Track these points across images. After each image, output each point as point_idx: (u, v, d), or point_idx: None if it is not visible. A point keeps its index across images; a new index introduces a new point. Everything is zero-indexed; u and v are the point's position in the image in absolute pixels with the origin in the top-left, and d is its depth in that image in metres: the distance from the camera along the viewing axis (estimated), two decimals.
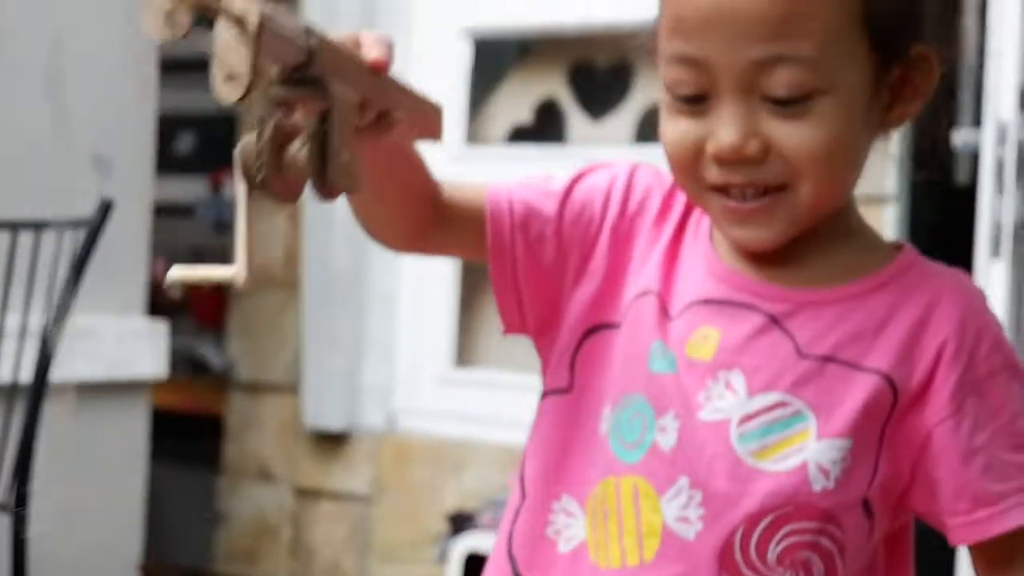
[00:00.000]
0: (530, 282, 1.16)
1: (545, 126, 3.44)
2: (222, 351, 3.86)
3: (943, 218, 2.89)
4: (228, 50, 0.84)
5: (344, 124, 0.93)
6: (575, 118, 3.44)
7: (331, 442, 3.58)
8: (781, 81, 1.03)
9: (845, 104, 1.04)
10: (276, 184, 0.92)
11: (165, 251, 3.60)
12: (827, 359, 1.07)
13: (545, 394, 1.18)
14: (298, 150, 0.92)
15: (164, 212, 3.31)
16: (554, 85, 3.46)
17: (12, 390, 2.56)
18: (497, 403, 3.32)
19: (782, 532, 1.06)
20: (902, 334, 1.08)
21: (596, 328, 1.15)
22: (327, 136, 0.92)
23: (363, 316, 3.52)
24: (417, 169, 1.12)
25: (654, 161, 1.21)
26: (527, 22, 3.42)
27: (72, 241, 2.58)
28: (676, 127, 1.08)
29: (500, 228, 1.15)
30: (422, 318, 3.54)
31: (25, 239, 2.64)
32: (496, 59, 3.53)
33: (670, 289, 1.13)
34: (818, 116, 1.04)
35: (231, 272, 0.95)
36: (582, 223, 1.16)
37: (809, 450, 1.06)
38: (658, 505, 1.08)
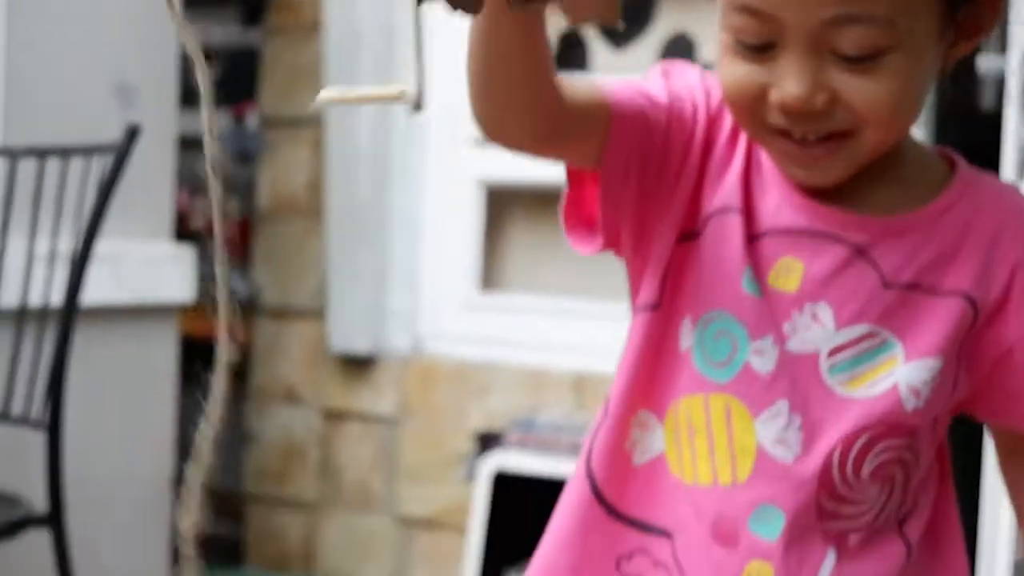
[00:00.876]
0: (640, 193, 1.12)
1: (568, 56, 3.43)
2: (247, 278, 3.88)
3: (968, 143, 2.89)
4: None
5: None
6: (597, 47, 3.43)
7: (357, 365, 3.62)
8: (852, 39, 1.01)
9: (915, 56, 1.02)
10: None
11: (188, 182, 3.61)
12: (911, 287, 1.09)
13: (635, 311, 1.15)
14: None
15: (187, 144, 3.32)
16: None
17: (43, 313, 2.60)
18: (521, 327, 3.34)
19: (876, 449, 1.09)
20: (977, 256, 1.09)
21: (684, 236, 1.13)
22: None
23: (387, 242, 3.54)
24: (551, 61, 1.05)
25: None
26: None
27: (99, 167, 2.60)
28: (738, 69, 1.06)
29: (623, 137, 1.10)
30: (446, 243, 3.56)
31: (52, 166, 2.67)
32: None
33: (752, 211, 1.12)
34: (888, 71, 1.02)
35: (397, 91, 0.81)
36: (681, 130, 1.13)
37: (898, 373, 1.08)
38: (752, 426, 1.09)
